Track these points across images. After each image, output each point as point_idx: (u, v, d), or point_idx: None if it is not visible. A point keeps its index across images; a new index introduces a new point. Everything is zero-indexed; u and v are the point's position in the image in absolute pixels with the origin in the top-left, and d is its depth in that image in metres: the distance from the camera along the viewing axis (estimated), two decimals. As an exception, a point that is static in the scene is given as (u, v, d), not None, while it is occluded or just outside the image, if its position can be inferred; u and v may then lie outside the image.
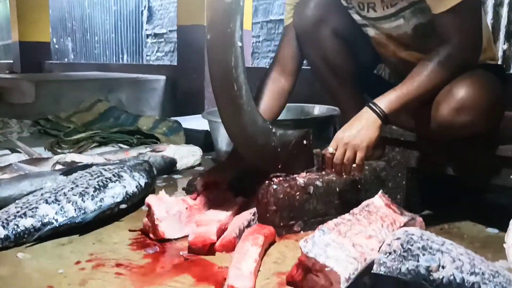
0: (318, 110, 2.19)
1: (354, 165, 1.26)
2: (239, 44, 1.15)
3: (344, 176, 1.31)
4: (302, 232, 1.33)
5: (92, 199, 1.35)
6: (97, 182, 1.41)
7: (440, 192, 1.50)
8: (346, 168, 1.26)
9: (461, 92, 1.19)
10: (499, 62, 2.29)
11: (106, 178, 1.44)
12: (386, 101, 1.22)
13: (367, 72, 1.57)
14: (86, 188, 1.38)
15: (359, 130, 1.23)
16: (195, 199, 1.38)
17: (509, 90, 1.35)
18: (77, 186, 1.38)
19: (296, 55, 1.50)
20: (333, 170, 1.28)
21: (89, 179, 1.42)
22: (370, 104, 1.23)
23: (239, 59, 1.15)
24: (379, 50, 1.46)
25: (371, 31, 1.41)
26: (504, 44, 2.64)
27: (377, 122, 1.22)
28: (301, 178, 1.35)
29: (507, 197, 1.64)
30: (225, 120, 1.25)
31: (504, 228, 1.24)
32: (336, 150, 1.25)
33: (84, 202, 1.34)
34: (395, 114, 1.23)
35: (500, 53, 2.54)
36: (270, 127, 1.31)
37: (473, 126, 1.21)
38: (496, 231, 1.33)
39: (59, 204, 1.30)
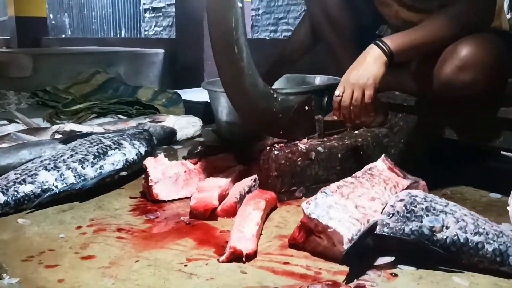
0: (319, 80, 2.16)
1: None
2: (240, 4, 1.12)
3: (355, 123, 1.26)
4: (303, 198, 1.32)
5: (92, 166, 1.34)
6: (97, 149, 1.40)
7: (443, 158, 1.49)
8: (355, 111, 1.21)
9: (464, 50, 1.19)
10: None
11: (105, 145, 1.42)
12: (392, 40, 1.20)
13: (369, 33, 1.55)
14: (86, 155, 1.36)
15: (364, 68, 1.19)
16: (195, 163, 1.37)
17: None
18: (76, 153, 1.37)
19: None
20: (342, 116, 1.24)
21: (89, 147, 1.41)
22: (377, 41, 1.21)
23: (240, 21, 1.13)
24: (382, 10, 1.43)
25: None
26: (508, 13, 2.60)
27: (382, 58, 1.19)
28: (302, 144, 1.34)
29: (510, 162, 1.63)
30: (225, 84, 1.23)
31: (507, 193, 1.24)
32: (343, 93, 1.21)
33: (84, 169, 1.33)
34: (400, 55, 1.20)
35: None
36: (272, 91, 1.29)
37: (475, 85, 1.20)
38: (499, 196, 1.32)
39: (58, 171, 1.29)
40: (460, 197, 1.32)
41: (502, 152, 1.67)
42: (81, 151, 1.38)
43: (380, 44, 1.19)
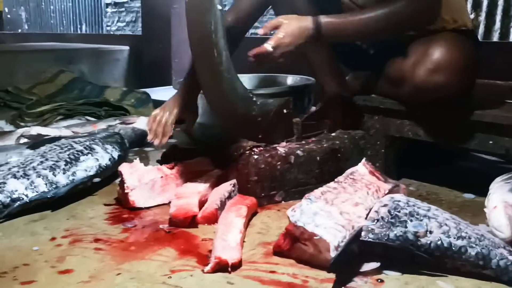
0: (291, 79, 2.16)
1: None
2: (219, 7, 1.10)
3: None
4: (283, 202, 1.31)
5: (63, 173, 1.29)
6: (68, 155, 1.34)
7: (417, 160, 1.51)
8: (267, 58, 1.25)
9: (436, 53, 1.24)
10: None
11: (77, 151, 1.37)
12: (328, 17, 1.27)
13: None
14: (57, 161, 1.31)
15: (292, 30, 1.24)
16: (171, 168, 1.34)
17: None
18: (46, 159, 1.31)
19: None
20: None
21: (59, 152, 1.35)
22: (315, 16, 1.27)
23: (219, 23, 1.11)
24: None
25: None
26: (471, 13, 2.67)
27: (309, 30, 1.25)
28: (281, 148, 1.33)
29: (481, 163, 1.68)
30: (204, 88, 1.20)
31: (479, 193, 1.28)
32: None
33: (55, 176, 1.27)
34: (329, 32, 1.27)
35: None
36: (251, 95, 1.28)
37: (448, 87, 1.24)
38: (472, 196, 1.35)
39: (28, 179, 1.23)
40: (436, 198, 1.35)
41: (471, 153, 1.72)
42: (51, 157, 1.32)
43: (316, 18, 1.26)
